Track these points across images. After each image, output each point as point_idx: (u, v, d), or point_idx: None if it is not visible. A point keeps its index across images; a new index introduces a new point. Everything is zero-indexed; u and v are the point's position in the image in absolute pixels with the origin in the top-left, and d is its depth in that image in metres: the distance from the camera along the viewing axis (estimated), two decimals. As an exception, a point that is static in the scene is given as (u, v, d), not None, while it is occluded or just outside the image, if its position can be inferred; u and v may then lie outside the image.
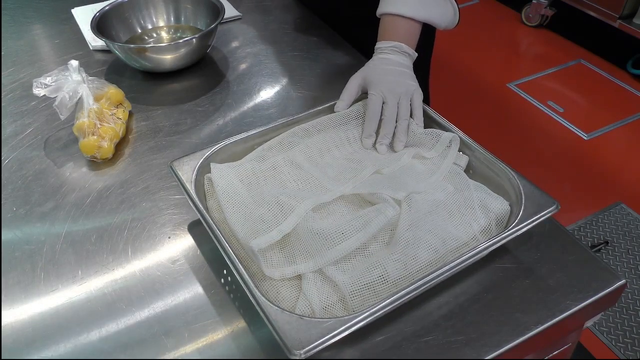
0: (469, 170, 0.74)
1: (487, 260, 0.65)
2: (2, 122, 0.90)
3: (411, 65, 0.83)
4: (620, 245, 1.73)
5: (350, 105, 0.80)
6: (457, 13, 0.88)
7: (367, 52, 0.88)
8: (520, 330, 0.58)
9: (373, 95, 0.77)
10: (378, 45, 0.83)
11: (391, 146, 0.77)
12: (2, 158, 0.83)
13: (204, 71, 1.03)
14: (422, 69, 1.16)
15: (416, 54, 0.83)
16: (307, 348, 0.50)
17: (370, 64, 0.82)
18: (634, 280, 1.62)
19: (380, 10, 0.85)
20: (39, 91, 0.80)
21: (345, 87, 0.80)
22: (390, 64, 0.80)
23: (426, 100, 1.19)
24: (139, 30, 1.08)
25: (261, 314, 0.54)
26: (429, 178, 0.71)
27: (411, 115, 0.78)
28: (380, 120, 0.77)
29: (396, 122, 0.77)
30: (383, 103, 0.77)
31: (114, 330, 0.60)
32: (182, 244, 0.70)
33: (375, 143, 0.77)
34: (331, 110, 0.79)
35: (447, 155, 0.73)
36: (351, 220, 0.62)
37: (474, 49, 2.67)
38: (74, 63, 0.82)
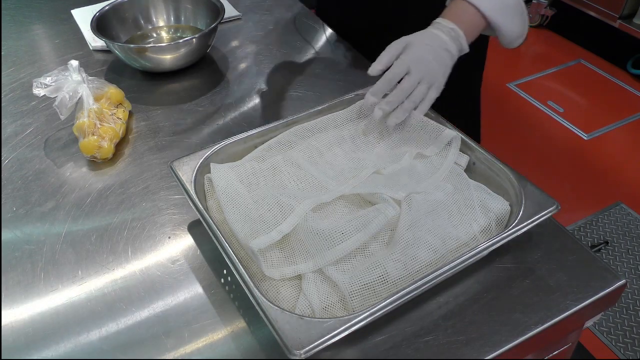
0: (469, 170, 0.74)
1: (487, 260, 0.65)
2: (2, 122, 0.90)
3: (455, 57, 0.78)
4: (620, 245, 1.73)
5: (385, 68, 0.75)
6: (524, 35, 0.83)
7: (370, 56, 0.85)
8: (520, 330, 0.58)
9: (402, 60, 0.74)
10: (437, 20, 0.79)
11: (386, 117, 0.75)
12: (2, 158, 0.83)
13: (204, 71, 1.03)
14: (472, 97, 1.10)
15: (467, 49, 0.78)
16: (307, 348, 0.50)
17: (419, 33, 0.77)
18: (634, 280, 1.62)
19: None
20: (39, 91, 0.80)
21: (386, 49, 0.76)
22: (436, 44, 0.75)
23: (476, 137, 1.09)
24: (139, 30, 1.08)
25: (261, 314, 0.54)
26: (429, 178, 0.71)
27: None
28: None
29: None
30: (406, 73, 0.73)
31: (114, 330, 0.60)
32: (182, 244, 0.70)
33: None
34: (331, 110, 0.79)
35: (448, 155, 0.73)
36: (351, 220, 0.62)
37: (474, 49, 2.67)
38: (74, 63, 0.82)
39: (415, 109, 0.75)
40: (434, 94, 0.76)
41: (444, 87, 0.77)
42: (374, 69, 0.75)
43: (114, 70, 1.03)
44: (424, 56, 0.74)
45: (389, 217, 0.62)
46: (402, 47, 0.76)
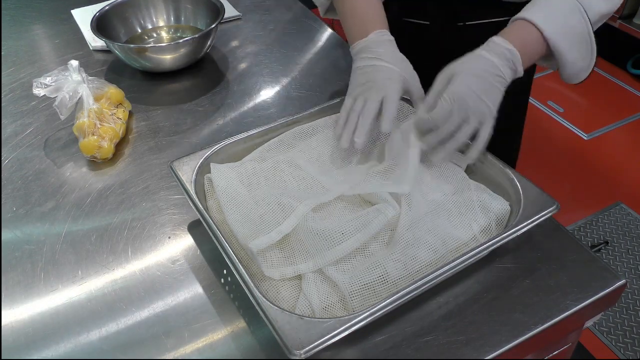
0: (469, 170, 0.74)
1: (487, 260, 0.65)
2: (2, 122, 0.90)
3: (508, 82, 0.70)
4: (620, 245, 1.72)
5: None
6: (589, 70, 0.77)
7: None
8: (520, 330, 0.58)
9: (444, 100, 0.68)
10: (493, 38, 0.71)
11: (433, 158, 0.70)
12: (2, 158, 0.83)
13: (204, 71, 1.03)
14: (514, 124, 1.02)
15: (522, 74, 0.71)
16: (307, 348, 0.50)
17: (467, 59, 0.70)
18: (634, 280, 1.62)
19: (515, 16, 0.73)
20: (39, 91, 0.80)
21: (432, 86, 0.71)
22: (486, 70, 0.69)
23: (512, 162, 0.99)
24: (139, 30, 1.08)
25: (261, 314, 0.54)
26: (427, 171, 0.70)
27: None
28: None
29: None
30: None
31: (114, 330, 0.60)
32: (182, 244, 0.70)
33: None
34: (331, 110, 0.79)
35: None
36: (351, 220, 0.62)
37: (474, 49, 2.67)
38: (74, 63, 0.82)
39: (466, 149, 0.70)
40: (485, 132, 0.69)
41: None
42: (422, 112, 0.70)
43: (114, 70, 1.03)
44: (468, 93, 0.67)
45: (388, 217, 0.62)
46: (446, 80, 0.70)
